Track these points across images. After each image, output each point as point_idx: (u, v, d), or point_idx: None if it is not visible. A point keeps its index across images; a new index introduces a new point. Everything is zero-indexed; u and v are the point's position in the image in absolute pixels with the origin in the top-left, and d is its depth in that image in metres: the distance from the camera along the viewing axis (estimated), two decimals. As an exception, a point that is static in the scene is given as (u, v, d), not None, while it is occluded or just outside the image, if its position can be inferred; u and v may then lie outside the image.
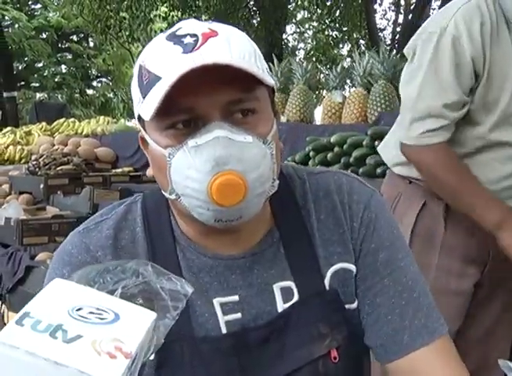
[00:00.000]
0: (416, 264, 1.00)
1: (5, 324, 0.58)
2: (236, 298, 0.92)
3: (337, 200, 0.98)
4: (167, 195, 0.88)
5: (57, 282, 0.63)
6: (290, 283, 0.94)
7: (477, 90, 1.55)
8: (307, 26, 18.70)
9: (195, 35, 0.82)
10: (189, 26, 0.85)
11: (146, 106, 0.82)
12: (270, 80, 0.83)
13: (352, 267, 0.96)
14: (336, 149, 3.09)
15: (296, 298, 0.93)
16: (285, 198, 0.97)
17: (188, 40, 0.82)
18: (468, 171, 1.57)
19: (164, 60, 0.82)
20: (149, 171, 0.97)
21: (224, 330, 0.91)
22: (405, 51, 1.67)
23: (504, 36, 1.53)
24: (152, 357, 0.87)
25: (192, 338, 0.89)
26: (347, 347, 0.94)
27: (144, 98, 0.83)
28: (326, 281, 0.95)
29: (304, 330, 0.92)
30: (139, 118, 0.88)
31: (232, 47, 0.81)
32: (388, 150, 1.80)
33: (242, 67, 0.78)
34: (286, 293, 0.94)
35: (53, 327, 0.56)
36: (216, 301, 0.92)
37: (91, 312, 0.59)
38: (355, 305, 0.97)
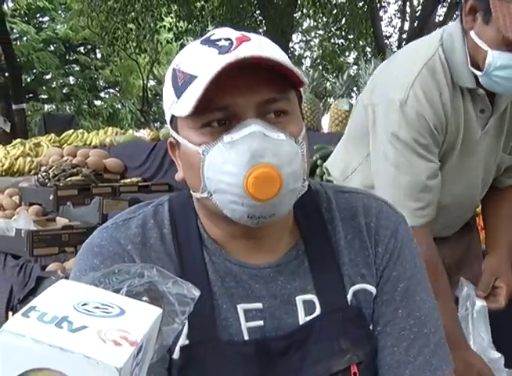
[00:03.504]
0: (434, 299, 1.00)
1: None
2: (259, 305, 0.93)
3: (364, 222, 0.98)
4: (198, 195, 0.89)
5: (63, 282, 0.64)
6: (313, 297, 0.94)
7: None
8: (313, 34, 18.75)
9: (229, 39, 0.85)
10: (223, 32, 0.88)
11: (182, 104, 0.84)
12: (305, 79, 0.85)
13: (373, 289, 0.97)
14: (343, 156, 3.09)
15: (318, 311, 0.93)
16: (311, 212, 0.98)
17: (223, 43, 0.85)
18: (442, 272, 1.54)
19: (199, 61, 0.84)
20: (178, 175, 0.99)
21: (246, 337, 0.91)
22: (363, 104, 1.61)
23: (457, 100, 1.51)
24: (176, 356, 0.88)
25: (217, 340, 0.90)
26: (369, 364, 0.94)
27: (179, 98, 0.85)
28: (349, 298, 0.95)
29: (324, 345, 0.91)
30: (171, 121, 0.90)
31: (264, 50, 0.84)
32: (336, 168, 1.78)
33: (283, 62, 0.80)
34: (309, 306, 0.94)
35: (59, 318, 0.56)
36: (240, 307, 0.92)
37: (96, 307, 0.60)
38: (371, 327, 0.97)
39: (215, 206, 0.87)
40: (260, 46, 0.85)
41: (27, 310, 0.57)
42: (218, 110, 0.83)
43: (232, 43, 0.84)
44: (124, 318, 0.59)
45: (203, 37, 0.89)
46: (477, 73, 1.46)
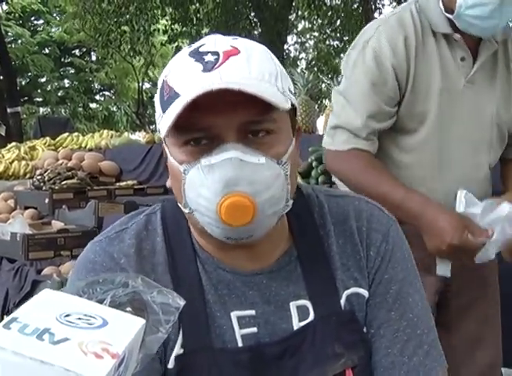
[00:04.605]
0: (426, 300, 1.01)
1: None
2: (252, 312, 0.93)
3: (355, 226, 0.98)
4: (182, 208, 0.89)
5: (46, 292, 0.64)
6: (306, 302, 0.94)
7: (402, 101, 1.58)
8: (308, 36, 18.78)
9: (216, 53, 0.83)
10: (212, 42, 0.86)
11: (164, 121, 0.83)
12: (286, 103, 0.83)
13: (366, 293, 0.97)
14: (339, 158, 3.09)
15: (312, 317, 0.93)
16: (303, 218, 0.98)
17: (209, 58, 0.83)
18: (385, 171, 1.60)
19: (183, 77, 0.83)
20: (169, 183, 1.04)
21: (240, 344, 0.91)
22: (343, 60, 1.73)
23: (430, 47, 1.56)
24: (171, 366, 0.88)
25: (211, 348, 0.90)
26: (363, 367, 0.94)
27: (164, 113, 0.84)
28: (342, 302, 0.95)
29: (319, 349, 0.92)
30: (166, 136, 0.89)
31: (252, 67, 0.83)
32: None
33: (255, 94, 0.79)
34: (302, 312, 0.94)
35: (40, 330, 0.56)
36: (233, 315, 0.92)
37: (79, 318, 0.59)
38: (364, 330, 0.97)
39: (198, 222, 0.87)
40: (247, 62, 0.83)
41: (8, 321, 0.57)
42: (198, 130, 0.83)
43: (218, 58, 0.82)
44: (107, 329, 0.59)
45: (193, 48, 0.87)
46: (450, 16, 1.51)
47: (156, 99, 0.89)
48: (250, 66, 0.82)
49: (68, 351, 0.55)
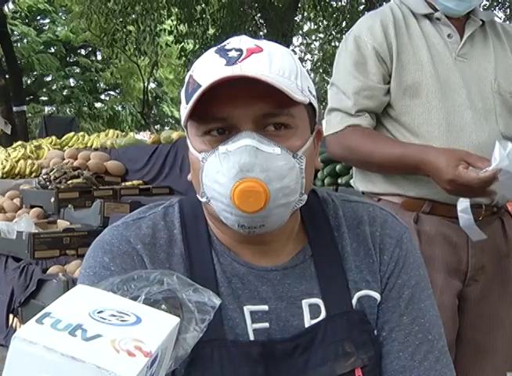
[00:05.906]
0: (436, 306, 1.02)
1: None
2: (265, 307, 0.94)
3: (369, 231, 1.00)
4: (199, 197, 0.92)
5: (80, 287, 0.64)
6: (318, 301, 0.95)
7: (391, 76, 1.67)
8: (313, 37, 18.75)
9: (240, 50, 0.88)
10: (237, 41, 0.90)
11: (185, 111, 0.87)
12: (303, 98, 0.86)
13: (377, 296, 0.98)
14: (345, 160, 3.09)
15: (323, 315, 0.95)
16: (319, 219, 1.01)
17: (233, 54, 0.87)
18: (380, 135, 1.68)
19: (207, 70, 0.87)
20: (190, 176, 1.09)
21: (251, 338, 0.92)
22: None
23: (413, 28, 1.69)
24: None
25: (223, 340, 0.91)
26: (373, 367, 0.95)
27: (187, 104, 0.87)
28: (353, 303, 0.96)
29: (329, 348, 0.93)
30: (185, 124, 0.93)
31: (272, 63, 0.86)
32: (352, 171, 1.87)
33: (273, 83, 0.82)
34: (314, 310, 0.95)
35: (73, 326, 0.56)
36: (246, 309, 0.93)
37: (112, 315, 0.59)
38: (375, 332, 0.98)
39: (214, 211, 0.90)
40: (269, 60, 0.87)
41: (41, 316, 0.57)
42: (216, 121, 0.87)
43: (241, 54, 0.87)
44: (140, 327, 0.59)
45: (220, 45, 0.92)
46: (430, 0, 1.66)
47: (182, 93, 0.93)
48: (271, 63, 0.86)
49: (100, 348, 0.54)
